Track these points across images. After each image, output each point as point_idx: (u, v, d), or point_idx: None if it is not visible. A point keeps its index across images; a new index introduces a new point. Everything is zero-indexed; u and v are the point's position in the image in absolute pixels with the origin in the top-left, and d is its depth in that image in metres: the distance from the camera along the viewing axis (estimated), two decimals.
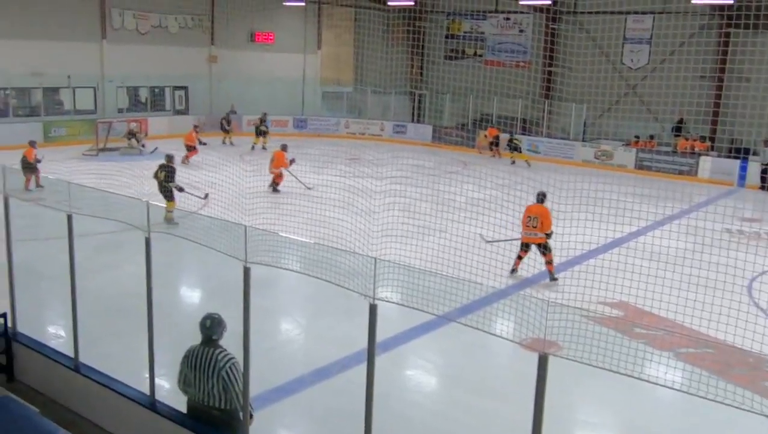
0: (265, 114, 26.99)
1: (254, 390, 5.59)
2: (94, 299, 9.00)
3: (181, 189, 13.63)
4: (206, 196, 12.53)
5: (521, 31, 31.89)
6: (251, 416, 5.53)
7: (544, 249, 11.58)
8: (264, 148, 25.15)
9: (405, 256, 9.42)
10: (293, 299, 10.86)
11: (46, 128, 25.93)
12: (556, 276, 11.62)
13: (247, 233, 5.32)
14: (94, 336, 7.56)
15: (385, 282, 4.77)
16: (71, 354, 6.99)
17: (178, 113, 30.53)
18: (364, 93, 33.43)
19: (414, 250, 10.33)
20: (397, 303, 4.87)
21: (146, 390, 6.34)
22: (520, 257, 11.85)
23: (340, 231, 10.67)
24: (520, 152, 26.03)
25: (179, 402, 5.92)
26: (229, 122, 28.21)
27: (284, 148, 17.74)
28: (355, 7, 33.51)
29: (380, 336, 4.87)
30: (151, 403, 6.20)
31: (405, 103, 33.90)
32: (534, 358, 4.15)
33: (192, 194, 13.64)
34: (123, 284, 10.55)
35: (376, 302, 4.71)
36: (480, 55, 33.13)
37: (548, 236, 11.55)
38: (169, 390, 6.69)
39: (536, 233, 11.53)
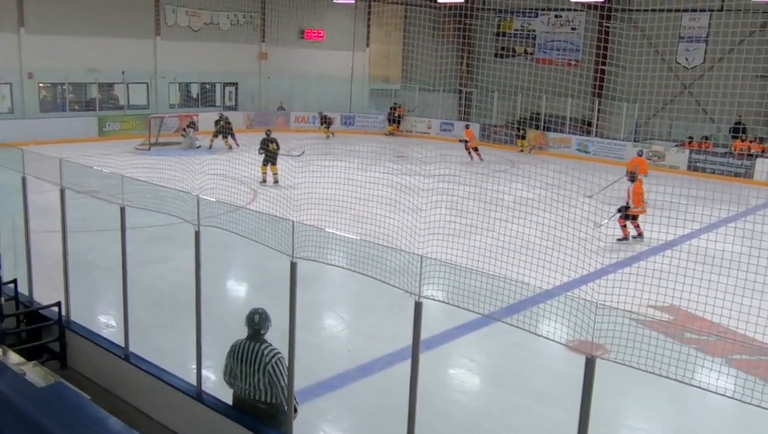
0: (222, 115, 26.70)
1: (298, 384, 5.63)
2: (143, 290, 9.19)
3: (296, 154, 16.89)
4: (302, 153, 15.90)
5: (573, 29, 31.42)
6: (295, 410, 5.57)
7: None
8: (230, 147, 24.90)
9: (451, 254, 9.36)
10: (338, 295, 10.91)
11: (100, 122, 26.59)
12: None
13: (294, 229, 5.35)
14: (143, 327, 7.71)
15: (431, 280, 4.74)
16: (121, 344, 7.14)
17: (228, 108, 30.95)
18: (412, 90, 33.39)
19: (460, 248, 10.25)
20: (442, 301, 4.84)
21: (193, 381, 6.44)
22: (636, 229, 14.09)
23: (385, 228, 10.65)
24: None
25: (225, 394, 6.01)
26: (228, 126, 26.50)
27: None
28: (404, 5, 33.47)
29: (424, 334, 4.85)
30: (197, 394, 6.30)
31: (453, 101, 33.73)
32: (580, 361, 4.08)
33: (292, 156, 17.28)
34: (172, 277, 10.77)
35: (422, 300, 4.69)
36: (530, 53, 32.76)
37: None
38: (215, 382, 6.79)
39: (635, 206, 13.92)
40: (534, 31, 32.64)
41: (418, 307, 4.71)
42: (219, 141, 24.92)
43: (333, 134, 29.81)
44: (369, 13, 35.12)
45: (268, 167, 18.71)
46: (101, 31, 26.08)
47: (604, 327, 3.98)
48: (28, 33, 24.84)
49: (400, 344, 8.37)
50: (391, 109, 32.55)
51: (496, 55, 33.45)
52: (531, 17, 32.25)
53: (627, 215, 14.03)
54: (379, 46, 36.24)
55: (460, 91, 33.75)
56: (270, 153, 18.47)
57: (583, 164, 24.83)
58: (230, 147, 24.91)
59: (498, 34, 33.72)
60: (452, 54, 33.02)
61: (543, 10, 31.47)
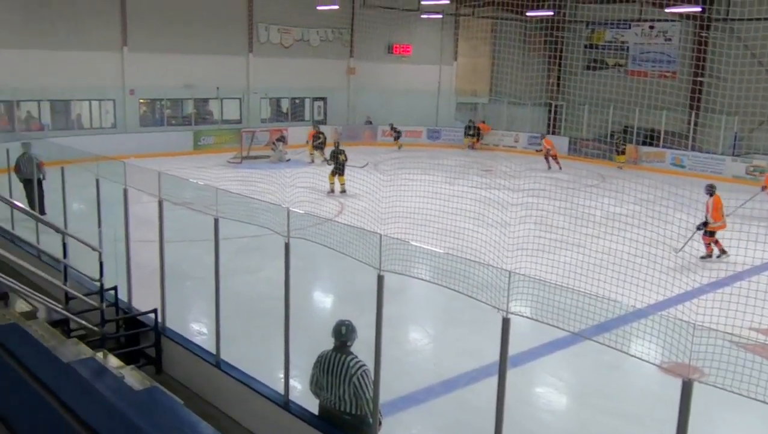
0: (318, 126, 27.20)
1: (383, 397, 5.64)
2: (234, 299, 9.42)
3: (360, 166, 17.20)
4: (366, 165, 15.44)
5: (667, 39, 30.43)
6: (380, 423, 5.58)
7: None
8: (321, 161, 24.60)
9: (538, 270, 9.21)
10: (422, 309, 10.89)
11: (196, 136, 27.62)
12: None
13: (381, 242, 5.38)
14: (233, 335, 7.91)
15: (518, 296, 4.67)
16: (213, 351, 7.35)
17: (317, 123, 31.54)
18: (500, 104, 33.13)
19: (548, 264, 10.07)
20: (530, 318, 4.75)
21: (280, 389, 6.56)
22: (717, 246, 13.48)
23: (471, 242, 10.58)
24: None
25: (311, 404, 6.08)
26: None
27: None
28: (493, 18, 33.31)
29: (511, 351, 4.78)
30: (285, 403, 6.40)
31: (541, 114, 33.24)
32: (674, 383, 3.92)
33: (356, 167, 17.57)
34: (261, 287, 11.01)
35: (509, 316, 4.62)
36: (622, 65, 31.93)
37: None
38: (301, 391, 6.88)
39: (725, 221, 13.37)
40: (626, 42, 31.81)
41: (505, 323, 4.64)
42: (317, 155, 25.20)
43: (401, 146, 30.15)
44: (457, 27, 35.14)
45: (336, 178, 19.19)
46: (197, 49, 27.13)
47: (701, 349, 3.81)
48: (131, 51, 26.13)
49: (484, 359, 8.26)
50: (467, 126, 32.43)
51: (586, 68, 32.76)
52: (623, 29, 31.45)
53: (707, 231, 13.34)
54: (467, 60, 36.16)
55: (549, 105, 33.23)
56: (339, 164, 19.25)
57: (678, 179, 23.94)
58: (312, 161, 25.30)
59: (588, 46, 33.05)
60: (541, 67, 32.60)
61: (636, 21, 30.60)
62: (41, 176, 13.82)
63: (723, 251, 13.42)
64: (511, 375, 4.86)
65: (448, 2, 30.16)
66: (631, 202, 13.46)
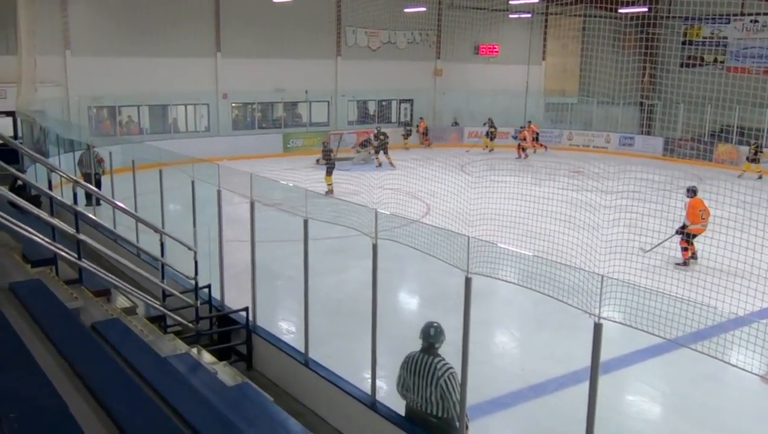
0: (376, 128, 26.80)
1: (469, 400, 5.60)
2: (321, 299, 9.58)
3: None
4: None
5: None
6: (467, 426, 5.54)
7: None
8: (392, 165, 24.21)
9: (630, 274, 8.93)
10: (509, 312, 10.75)
11: (285, 139, 28.25)
12: None
13: (469, 244, 5.35)
14: (321, 334, 8.03)
15: (610, 301, 4.54)
16: (302, 349, 7.49)
17: (404, 125, 31.65)
18: (590, 104, 32.33)
19: (641, 268, 9.76)
20: (623, 323, 4.61)
21: (367, 389, 6.61)
22: (690, 249, 12.60)
23: (560, 245, 10.37)
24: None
25: (398, 405, 6.10)
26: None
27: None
28: (583, 16, 32.54)
29: (601, 357, 4.66)
30: (372, 403, 6.46)
31: (633, 114, 32.23)
32: None
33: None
34: (348, 287, 11.15)
35: (601, 321, 4.50)
36: (721, 62, 30.56)
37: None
38: (387, 392, 6.92)
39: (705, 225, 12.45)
40: (726, 38, 30.43)
41: (597, 328, 4.53)
42: (382, 157, 24.81)
43: (492, 148, 29.17)
44: (546, 27, 34.53)
45: (381, 155, 20.40)
46: (287, 54, 27.74)
47: None
48: (224, 57, 26.99)
49: (573, 365, 8.09)
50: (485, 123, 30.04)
51: (682, 65, 31.54)
52: (722, 24, 30.10)
53: (685, 234, 12.63)
54: (556, 59, 35.48)
55: (642, 104, 32.16)
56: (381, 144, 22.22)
57: None
58: (380, 164, 24.54)
59: (685, 43, 31.80)
60: (634, 65, 31.58)
61: (736, 15, 29.23)
62: (100, 171, 15.33)
63: (693, 256, 12.76)
64: (601, 381, 4.73)
65: (537, 1, 29.66)
66: (731, 204, 12.84)
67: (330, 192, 18.99)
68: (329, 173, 19.62)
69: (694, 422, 7.53)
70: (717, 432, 7.30)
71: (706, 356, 4.29)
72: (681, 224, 12.76)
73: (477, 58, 33.57)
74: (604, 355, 4.74)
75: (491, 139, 29.45)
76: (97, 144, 16.01)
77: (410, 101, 32.87)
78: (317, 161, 24.78)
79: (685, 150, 28.07)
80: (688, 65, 31.44)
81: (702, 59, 31.25)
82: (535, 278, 5.15)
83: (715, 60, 30.85)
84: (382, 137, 25.06)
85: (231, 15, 26.67)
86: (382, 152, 24.74)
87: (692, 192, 13.06)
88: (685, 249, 12.74)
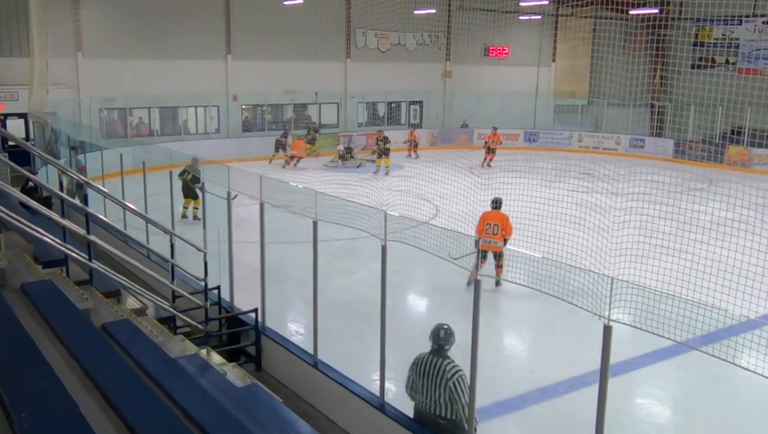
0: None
1: (478, 402, 5.59)
2: (331, 301, 9.58)
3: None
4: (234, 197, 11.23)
5: None
6: (475, 429, 5.53)
7: (500, 255, 10.78)
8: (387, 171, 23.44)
9: (640, 276, 8.89)
10: (519, 314, 10.72)
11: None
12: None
13: (478, 245, 5.34)
14: (330, 336, 8.03)
15: (620, 303, 4.52)
16: (311, 351, 7.50)
17: (414, 126, 31.61)
18: (600, 106, 32.22)
19: (650, 271, 9.70)
20: (633, 326, 4.59)
21: (375, 391, 6.61)
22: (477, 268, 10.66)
23: (569, 247, 10.34)
24: None
25: (406, 406, 6.10)
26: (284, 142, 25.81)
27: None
28: (593, 18, 32.45)
29: (611, 359, 4.64)
30: (380, 405, 6.46)
31: (644, 115, 32.10)
32: None
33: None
34: (357, 289, 11.15)
35: (611, 323, 4.49)
36: (732, 63, 30.41)
37: (506, 241, 11.09)
38: (395, 393, 6.92)
39: (496, 241, 10.89)
40: (737, 39, 30.28)
41: (607, 331, 4.51)
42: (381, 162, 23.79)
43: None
44: (556, 28, 34.45)
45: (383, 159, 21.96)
46: (297, 56, 27.76)
47: None
48: (234, 60, 27.07)
49: (583, 367, 8.06)
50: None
51: (693, 67, 31.38)
52: (734, 25, 29.95)
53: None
54: (566, 61, 35.39)
55: (652, 105, 32.03)
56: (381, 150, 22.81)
57: None
58: (378, 169, 23.66)
59: (696, 44, 31.66)
60: (644, 66, 31.45)
61: (748, 17, 29.07)
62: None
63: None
64: (610, 384, 4.72)
65: (547, 3, 29.60)
66: (742, 206, 12.77)
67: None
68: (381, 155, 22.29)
69: (704, 425, 7.49)
70: None
71: (717, 359, 4.27)
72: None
73: (486, 60, 33.53)
74: (614, 358, 4.72)
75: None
76: (108, 146, 16.04)
77: (420, 103, 32.87)
78: (332, 160, 25.28)
79: (695, 152, 27.93)
80: (699, 67, 31.28)
81: (713, 61, 31.10)
82: (544, 280, 5.14)
83: (727, 61, 30.70)
84: (380, 143, 24.18)
85: (241, 17, 26.73)
86: (384, 156, 23.93)
87: (495, 204, 11.67)
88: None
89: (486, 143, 25.90)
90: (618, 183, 15.28)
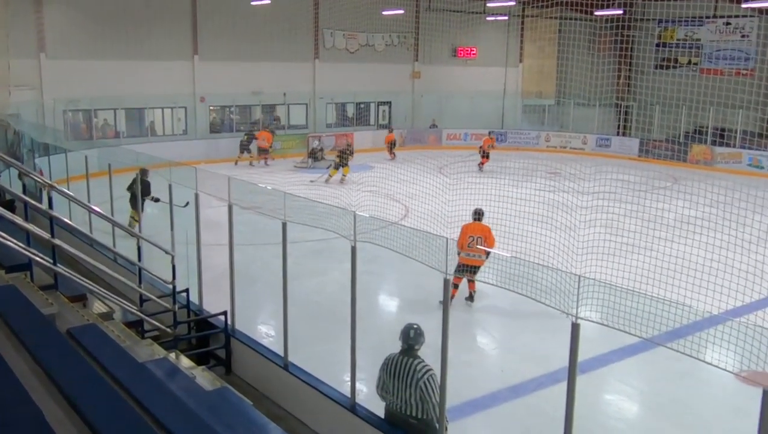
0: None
1: (449, 401, 5.61)
2: (301, 302, 9.54)
3: (156, 200, 12.88)
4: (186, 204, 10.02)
5: (744, 36, 29.36)
6: (446, 428, 5.55)
7: (477, 269, 9.84)
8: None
9: (607, 274, 9.01)
10: (489, 313, 10.79)
11: None
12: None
13: (448, 246, 5.36)
14: (301, 338, 8.00)
15: (587, 301, 4.58)
16: (281, 353, 7.46)
17: (382, 127, 31.66)
18: (567, 105, 32.60)
19: (617, 268, 9.85)
20: (600, 323, 4.65)
21: (346, 392, 6.60)
22: (456, 285, 10.12)
23: (538, 246, 10.44)
24: None
25: (377, 407, 6.10)
26: (250, 142, 25.79)
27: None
28: (559, 19, 32.80)
29: (580, 357, 4.69)
30: (351, 406, 6.45)
31: (609, 115, 32.54)
32: (752, 392, 3.77)
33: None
34: (328, 290, 11.12)
35: (579, 321, 4.54)
36: (695, 64, 30.97)
37: (488, 255, 9.45)
38: (367, 394, 6.91)
39: (480, 256, 9.86)
40: (699, 40, 30.85)
41: (575, 328, 4.56)
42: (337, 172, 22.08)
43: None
44: (522, 29, 34.76)
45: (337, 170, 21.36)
46: (265, 57, 27.62)
47: None
48: (201, 60, 26.81)
49: (552, 365, 8.14)
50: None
51: (656, 67, 31.92)
52: (696, 26, 30.51)
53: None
54: (533, 61, 35.72)
55: (618, 105, 32.48)
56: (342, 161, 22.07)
57: (758, 180, 23.05)
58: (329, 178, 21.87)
59: (659, 45, 32.19)
60: (609, 67, 31.86)
61: (710, 18, 29.64)
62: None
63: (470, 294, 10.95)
64: (579, 381, 4.77)
65: (514, 4, 29.85)
66: (705, 204, 13.01)
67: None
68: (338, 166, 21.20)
69: (671, 419, 7.61)
70: (694, 428, 7.39)
71: (683, 354, 4.34)
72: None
73: (455, 61, 33.70)
74: (582, 355, 4.78)
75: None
76: (73, 148, 15.77)
77: (389, 104, 32.91)
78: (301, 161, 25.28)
79: (660, 151, 28.39)
80: (662, 67, 31.83)
81: (676, 61, 31.65)
82: (513, 279, 5.18)
83: (689, 62, 31.25)
84: (344, 155, 22.27)
85: (208, 17, 26.50)
86: (341, 167, 22.04)
87: (477, 215, 11.22)
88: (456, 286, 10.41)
89: (481, 147, 25.96)
90: (585, 182, 15.45)
